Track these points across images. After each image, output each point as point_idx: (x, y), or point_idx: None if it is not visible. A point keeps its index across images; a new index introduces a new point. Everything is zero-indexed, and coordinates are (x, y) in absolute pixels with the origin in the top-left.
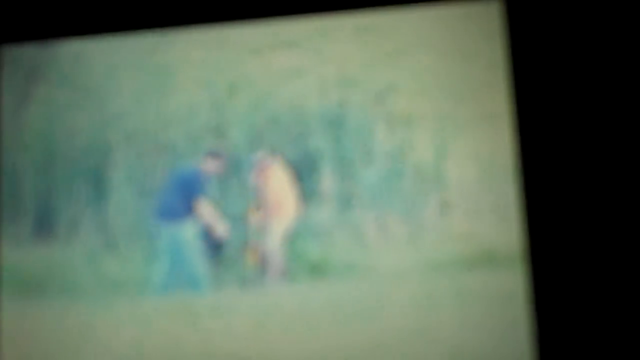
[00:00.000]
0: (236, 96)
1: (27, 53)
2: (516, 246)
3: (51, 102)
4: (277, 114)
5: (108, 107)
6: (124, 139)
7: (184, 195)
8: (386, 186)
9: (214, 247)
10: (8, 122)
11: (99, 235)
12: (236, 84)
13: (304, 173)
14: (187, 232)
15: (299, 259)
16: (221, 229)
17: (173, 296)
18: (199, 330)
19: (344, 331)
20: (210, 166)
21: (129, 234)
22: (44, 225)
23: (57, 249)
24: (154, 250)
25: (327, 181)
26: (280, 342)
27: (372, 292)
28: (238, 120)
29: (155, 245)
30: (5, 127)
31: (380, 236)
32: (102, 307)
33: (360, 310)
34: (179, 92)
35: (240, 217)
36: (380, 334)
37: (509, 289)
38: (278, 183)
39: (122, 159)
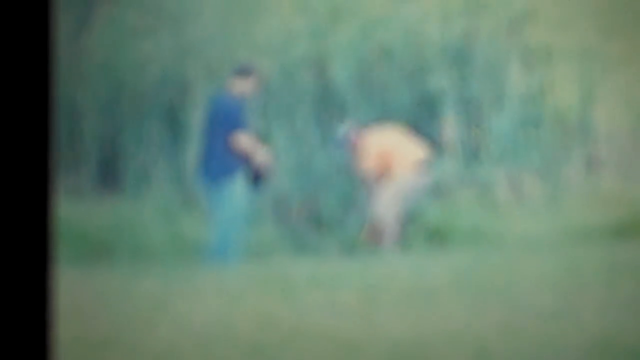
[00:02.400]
0: (340, 23)
1: None
2: None
3: (116, 25)
4: (389, 45)
5: (185, 33)
6: (204, 72)
7: (226, 141)
8: (521, 136)
9: (255, 177)
10: (65, 49)
11: (175, 188)
12: (340, 8)
13: (421, 119)
14: (236, 189)
15: (416, 222)
16: (261, 156)
17: (265, 263)
18: (295, 304)
19: (468, 310)
20: (241, 87)
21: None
22: (109, 174)
23: (125, 203)
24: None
25: (450, 129)
26: (391, 321)
27: (502, 264)
28: (342, 51)
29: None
30: (62, 55)
31: (513, 197)
32: (180, 275)
33: (487, 286)
34: (272, 16)
35: (345, 171)
36: (512, 314)
37: None
38: (378, 149)
39: (203, 95)
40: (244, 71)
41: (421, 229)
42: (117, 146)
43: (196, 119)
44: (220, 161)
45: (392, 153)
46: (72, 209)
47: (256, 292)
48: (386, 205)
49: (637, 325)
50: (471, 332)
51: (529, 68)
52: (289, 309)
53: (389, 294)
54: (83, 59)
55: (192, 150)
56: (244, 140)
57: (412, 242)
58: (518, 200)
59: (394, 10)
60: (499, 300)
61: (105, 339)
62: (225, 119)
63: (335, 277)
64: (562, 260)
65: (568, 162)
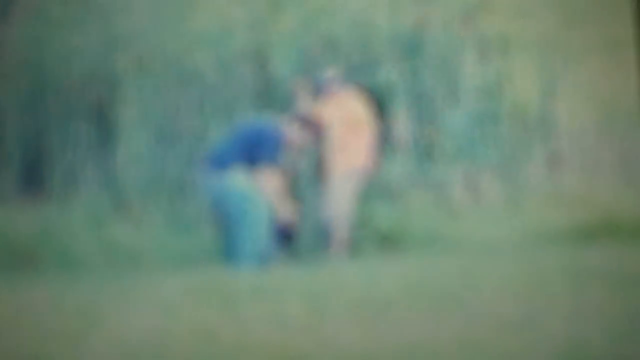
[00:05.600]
0: (281, 12)
1: None
2: None
3: (40, 17)
4: (335, 35)
5: (115, 25)
6: (136, 66)
7: (245, 151)
8: (477, 133)
9: (282, 235)
10: None
11: (106, 192)
12: None
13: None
14: (240, 182)
15: (366, 227)
16: (286, 211)
17: (203, 273)
18: (237, 316)
19: (423, 320)
20: (296, 136)
21: (145, 190)
22: (34, 178)
23: (52, 209)
24: (178, 212)
25: (401, 126)
26: (341, 333)
27: (459, 271)
28: (283, 42)
29: (186, 203)
30: None
31: (470, 198)
32: (112, 286)
33: (444, 294)
34: (208, 6)
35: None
36: (470, 325)
37: (636, 266)
38: (347, 116)
39: (134, 91)
40: (307, 121)
41: (371, 234)
42: (42, 147)
43: (126, 117)
44: (228, 159)
45: (360, 131)
46: None
47: (194, 303)
48: (341, 199)
49: (605, 334)
50: (427, 344)
51: (485, 60)
52: (230, 321)
53: (337, 304)
54: (4, 53)
55: (123, 151)
56: (270, 181)
57: (362, 248)
58: (475, 202)
59: None
60: (457, 310)
61: (33, 354)
62: (258, 146)
63: (280, 287)
64: (523, 266)
65: (528, 160)
